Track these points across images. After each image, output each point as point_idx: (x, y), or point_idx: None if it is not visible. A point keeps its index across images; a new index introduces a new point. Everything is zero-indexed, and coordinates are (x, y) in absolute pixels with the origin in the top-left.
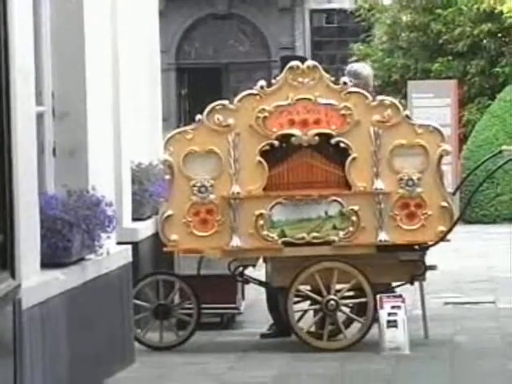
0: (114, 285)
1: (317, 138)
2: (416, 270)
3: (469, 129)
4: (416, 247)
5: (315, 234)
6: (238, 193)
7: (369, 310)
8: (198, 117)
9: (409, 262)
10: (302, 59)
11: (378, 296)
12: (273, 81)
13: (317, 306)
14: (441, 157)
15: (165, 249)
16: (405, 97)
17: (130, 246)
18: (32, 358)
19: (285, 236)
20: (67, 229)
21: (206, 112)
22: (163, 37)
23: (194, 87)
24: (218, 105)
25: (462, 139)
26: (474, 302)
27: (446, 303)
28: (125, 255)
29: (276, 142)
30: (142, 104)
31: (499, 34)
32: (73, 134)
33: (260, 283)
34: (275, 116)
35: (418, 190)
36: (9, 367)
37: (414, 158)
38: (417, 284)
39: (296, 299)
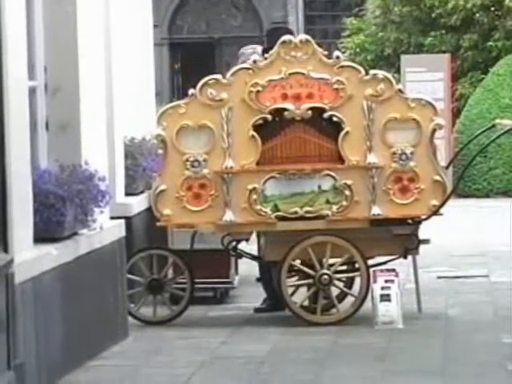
0: (108, 259)
1: (310, 112)
2: (409, 244)
3: (462, 103)
4: (409, 221)
5: (308, 209)
6: (231, 167)
7: (362, 283)
8: (191, 91)
9: (402, 236)
10: (288, 31)
11: (371, 270)
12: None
13: (310, 281)
14: (434, 131)
15: (158, 223)
16: (398, 71)
17: (123, 221)
18: (25, 333)
19: (278, 210)
20: (60, 203)
21: (198, 86)
22: (156, 11)
23: (187, 62)
24: (210, 79)
25: (455, 113)
26: (467, 276)
27: (439, 277)
28: (118, 230)
29: (269, 117)
30: (134, 79)
31: (492, 8)
32: (65, 109)
33: (253, 258)
34: (268, 90)
35: (411, 163)
36: (2, 342)
37: (406, 131)
38: (410, 258)
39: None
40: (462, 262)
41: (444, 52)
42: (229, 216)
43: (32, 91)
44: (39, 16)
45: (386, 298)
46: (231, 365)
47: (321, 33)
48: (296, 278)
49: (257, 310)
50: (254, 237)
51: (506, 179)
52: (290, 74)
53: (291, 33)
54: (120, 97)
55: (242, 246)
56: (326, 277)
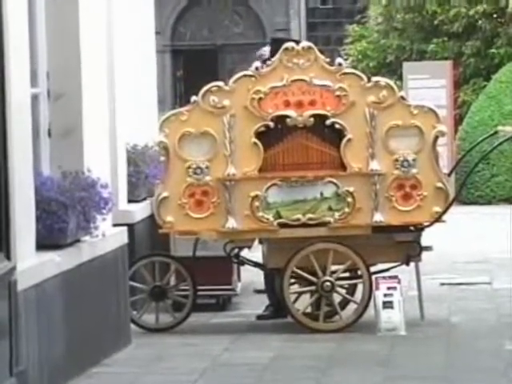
0: (110, 267)
1: (312, 119)
2: (411, 251)
3: (464, 110)
4: (411, 228)
5: (311, 216)
6: (234, 174)
7: (364, 290)
8: (193, 98)
9: (404, 243)
10: (294, 42)
11: (373, 277)
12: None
13: (312, 288)
14: (436, 138)
15: (160, 230)
16: (400, 78)
17: (125, 228)
18: (28, 340)
19: (280, 217)
20: (63, 210)
21: (201, 93)
22: (158, 18)
23: (189, 69)
24: (213, 86)
25: (458, 120)
26: (470, 283)
27: (442, 284)
28: (120, 237)
29: (271, 124)
30: (137, 86)
31: (494, 15)
32: (68, 116)
33: (255, 265)
34: (270, 97)
35: (414, 170)
36: (4, 348)
37: (409, 138)
38: (412, 265)
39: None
40: (464, 268)
41: (446, 59)
42: (231, 223)
43: (34, 98)
44: (42, 23)
45: (388, 304)
46: (234, 372)
47: (323, 40)
48: (299, 285)
49: (259, 317)
50: (257, 244)
51: (509, 186)
52: (293, 81)
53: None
54: (122, 104)
55: (245, 253)
56: (328, 284)
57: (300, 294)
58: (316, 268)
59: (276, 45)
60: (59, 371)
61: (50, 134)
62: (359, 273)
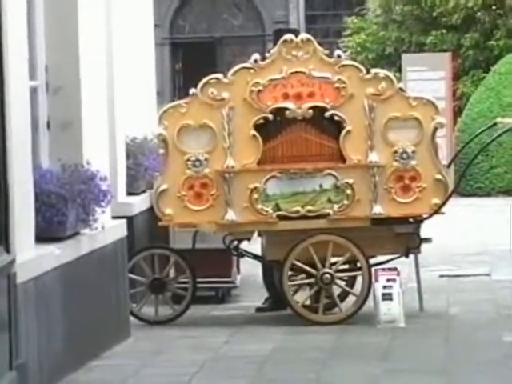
0: (109, 259)
1: (311, 111)
2: (411, 243)
3: (463, 102)
4: (411, 220)
5: (310, 208)
6: (233, 166)
7: (364, 282)
8: (192, 91)
9: (403, 235)
10: (295, 32)
11: (373, 269)
12: (267, 54)
13: (312, 280)
14: (435, 129)
15: (160, 223)
16: (399, 70)
17: (124, 221)
18: (27, 333)
19: (279, 209)
20: (62, 203)
21: (200, 86)
22: (157, 11)
23: (188, 61)
24: (212, 78)
25: (457, 112)
26: (469, 275)
27: (441, 276)
28: (120, 229)
29: (270, 116)
30: (136, 78)
31: (493, 7)
32: (67, 108)
33: (255, 257)
34: (269, 89)
35: (413, 162)
36: (4, 342)
37: (408, 130)
38: (412, 257)
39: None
40: (463, 260)
41: (445, 51)
42: (230, 215)
43: (33, 91)
44: (40, 15)
45: (387, 296)
46: (233, 364)
47: (322, 32)
48: (299, 277)
49: (258, 310)
50: (256, 236)
51: (508, 178)
52: (291, 73)
53: (297, 33)
54: (121, 96)
55: (244, 245)
56: (327, 276)
57: (299, 286)
58: (315, 260)
59: (279, 36)
60: (59, 364)
61: (49, 127)
62: (358, 265)
